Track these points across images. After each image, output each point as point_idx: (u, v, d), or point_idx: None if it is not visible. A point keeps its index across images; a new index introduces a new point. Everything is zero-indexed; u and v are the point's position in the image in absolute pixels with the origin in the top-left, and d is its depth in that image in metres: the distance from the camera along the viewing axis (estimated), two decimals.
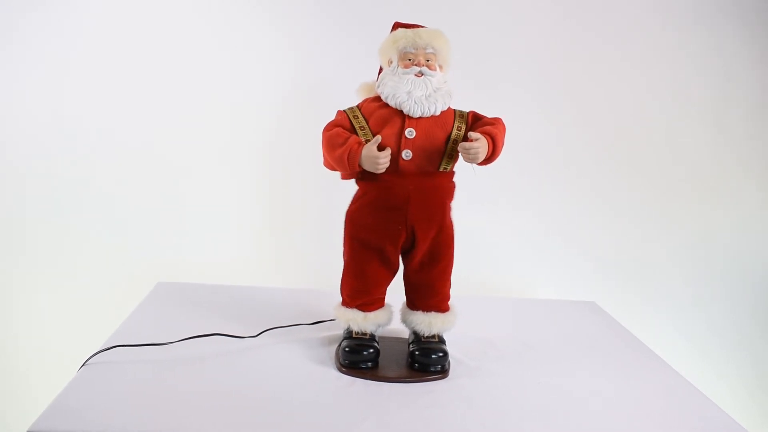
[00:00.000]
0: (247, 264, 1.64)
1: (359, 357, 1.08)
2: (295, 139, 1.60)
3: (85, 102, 1.56)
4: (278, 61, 1.59)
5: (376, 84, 1.10)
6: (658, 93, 1.66)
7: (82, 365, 1.03)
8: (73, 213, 1.59)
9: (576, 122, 1.66)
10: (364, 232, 1.08)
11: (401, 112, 1.05)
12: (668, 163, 1.69)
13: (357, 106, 1.10)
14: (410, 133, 1.04)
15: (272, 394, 0.98)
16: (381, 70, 1.12)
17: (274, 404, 0.96)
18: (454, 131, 1.06)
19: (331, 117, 1.10)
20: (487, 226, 1.65)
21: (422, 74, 1.05)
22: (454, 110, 1.09)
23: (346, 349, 1.09)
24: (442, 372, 1.09)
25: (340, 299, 1.15)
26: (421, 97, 1.04)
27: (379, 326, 1.13)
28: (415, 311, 1.13)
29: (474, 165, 1.05)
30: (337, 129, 1.06)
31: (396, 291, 1.16)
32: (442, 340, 1.13)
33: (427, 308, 1.12)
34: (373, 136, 1.05)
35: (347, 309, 1.12)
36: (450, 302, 1.15)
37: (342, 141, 1.03)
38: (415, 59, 1.06)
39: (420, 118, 1.04)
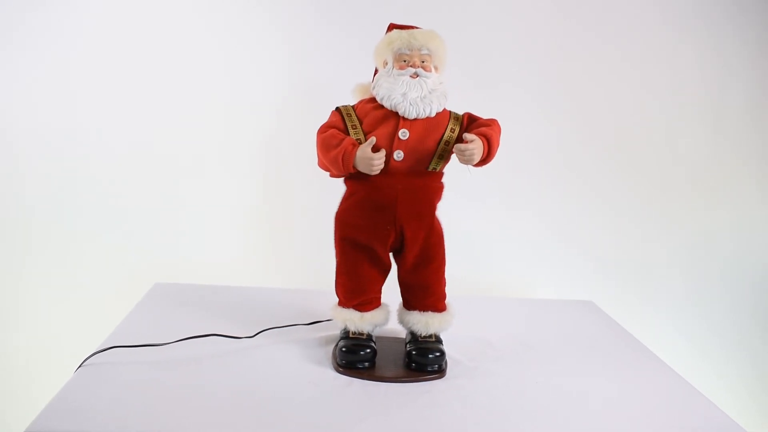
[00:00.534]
0: (244, 264, 1.64)
1: (356, 357, 1.08)
2: (291, 139, 1.60)
3: (84, 102, 1.56)
4: (276, 61, 1.59)
5: (372, 85, 1.10)
6: (657, 92, 1.66)
7: (80, 366, 1.03)
8: (70, 213, 1.59)
9: (575, 122, 1.66)
10: (354, 232, 1.09)
11: (396, 113, 1.05)
12: (667, 163, 1.69)
13: (352, 106, 1.10)
14: (404, 134, 1.04)
15: (269, 395, 0.98)
16: (376, 71, 1.12)
17: (272, 404, 0.95)
18: (447, 132, 1.06)
19: (328, 118, 1.10)
20: (485, 226, 1.65)
21: (417, 75, 1.05)
22: (450, 112, 1.09)
23: (343, 349, 1.09)
24: (440, 372, 1.09)
25: (337, 300, 1.15)
26: (416, 98, 1.04)
27: (375, 326, 1.13)
28: (411, 311, 1.13)
29: (469, 166, 1.05)
30: (331, 130, 1.06)
31: (392, 291, 1.16)
32: (439, 340, 1.13)
33: (423, 308, 1.12)
34: (366, 136, 1.05)
35: (344, 309, 1.12)
36: (447, 302, 1.15)
37: (336, 142, 1.03)
38: (410, 60, 1.06)
39: (415, 119, 1.04)
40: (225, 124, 1.60)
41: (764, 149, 1.70)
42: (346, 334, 1.12)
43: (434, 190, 1.09)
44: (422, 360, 1.08)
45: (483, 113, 1.11)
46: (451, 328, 1.15)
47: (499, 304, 1.52)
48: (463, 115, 1.09)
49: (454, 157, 1.06)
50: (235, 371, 1.05)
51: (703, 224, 1.71)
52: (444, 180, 1.11)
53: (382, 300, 1.15)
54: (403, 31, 1.07)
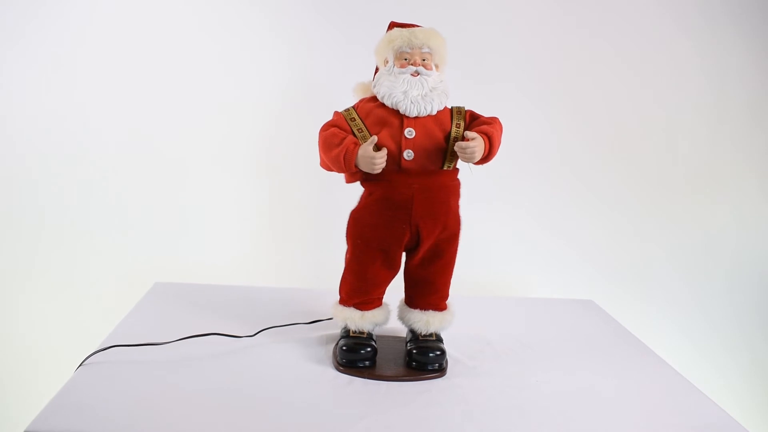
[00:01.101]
0: (244, 264, 1.64)
1: (356, 356, 1.08)
2: (291, 138, 1.60)
3: (84, 102, 1.56)
4: (276, 60, 1.59)
5: (372, 84, 1.10)
6: (656, 91, 1.66)
7: (80, 365, 1.03)
8: (70, 213, 1.59)
9: (575, 121, 1.66)
10: (369, 232, 1.08)
11: (398, 111, 1.05)
12: (666, 161, 1.69)
13: (353, 107, 1.10)
14: (410, 132, 1.04)
15: (270, 394, 0.98)
16: (377, 69, 1.12)
17: (272, 403, 0.96)
18: (453, 129, 1.06)
19: (328, 117, 1.10)
20: (484, 225, 1.65)
21: (418, 74, 1.05)
22: (451, 108, 1.09)
23: (344, 347, 1.09)
24: (440, 371, 1.09)
25: (338, 298, 1.15)
26: (417, 96, 1.04)
27: (376, 325, 1.14)
28: (412, 309, 1.14)
29: (470, 164, 1.05)
30: (333, 129, 1.06)
31: (393, 289, 1.16)
32: (439, 339, 1.13)
33: (425, 306, 1.13)
34: (371, 136, 1.05)
35: (344, 308, 1.13)
36: (447, 301, 1.15)
37: (338, 141, 1.03)
38: (411, 59, 1.06)
39: (417, 117, 1.04)
40: (225, 124, 1.60)
41: (764, 148, 1.70)
42: (346, 333, 1.12)
43: (450, 189, 1.09)
44: (423, 359, 1.08)
45: (482, 112, 1.11)
46: (451, 327, 1.15)
47: (499, 303, 1.52)
48: (465, 111, 1.09)
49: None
50: (236, 370, 1.05)
51: (702, 223, 1.71)
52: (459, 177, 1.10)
53: (383, 299, 1.16)
54: (404, 30, 1.07)
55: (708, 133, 1.68)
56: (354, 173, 1.08)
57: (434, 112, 1.05)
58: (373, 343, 1.10)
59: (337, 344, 1.13)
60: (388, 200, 1.06)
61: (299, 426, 0.90)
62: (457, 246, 1.11)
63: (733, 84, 1.67)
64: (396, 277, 1.14)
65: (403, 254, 1.12)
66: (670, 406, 1.03)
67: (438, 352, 1.09)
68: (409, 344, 1.13)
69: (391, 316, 1.16)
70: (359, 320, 1.11)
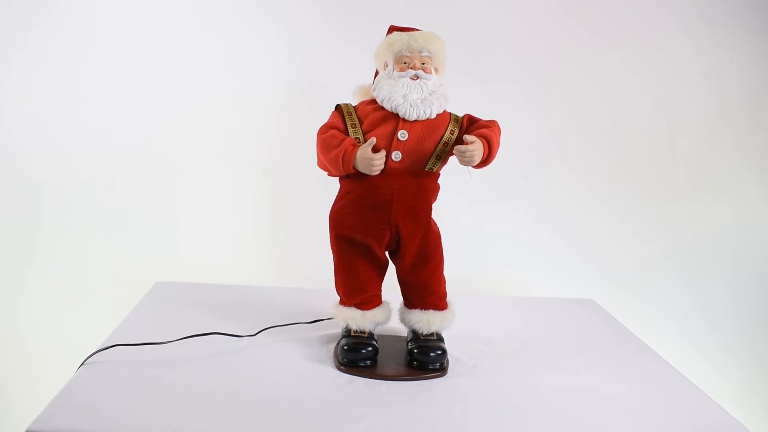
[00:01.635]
0: (244, 263, 1.64)
1: (358, 355, 1.08)
2: (292, 138, 1.60)
3: (84, 103, 1.56)
4: (276, 61, 1.59)
5: (372, 87, 1.10)
6: (656, 91, 1.66)
7: (81, 364, 1.03)
8: (71, 213, 1.59)
9: (575, 121, 1.66)
10: (349, 231, 1.09)
11: (396, 114, 1.05)
12: (666, 161, 1.69)
13: (354, 106, 1.10)
14: (403, 135, 1.05)
15: (271, 393, 0.99)
16: (377, 73, 1.12)
17: (273, 403, 0.96)
18: (447, 134, 1.07)
19: (328, 117, 1.10)
20: (485, 225, 1.65)
21: (418, 77, 1.05)
22: (450, 114, 1.09)
23: (345, 347, 1.09)
24: (441, 370, 1.09)
25: (338, 298, 1.15)
26: (416, 100, 1.04)
27: (377, 324, 1.14)
28: (413, 310, 1.14)
29: (470, 168, 1.05)
30: (332, 131, 1.06)
31: (394, 289, 1.16)
32: (440, 338, 1.13)
33: (424, 306, 1.13)
34: (365, 136, 1.05)
35: (345, 307, 1.13)
36: (448, 300, 1.15)
37: (337, 143, 1.04)
38: (410, 62, 1.06)
39: (415, 121, 1.05)
40: (225, 124, 1.61)
41: (764, 148, 1.70)
42: (347, 333, 1.13)
43: (430, 190, 1.10)
44: (424, 358, 1.09)
45: (482, 113, 1.11)
46: (452, 326, 1.15)
47: (500, 302, 1.52)
48: (462, 117, 1.09)
49: (453, 158, 1.06)
50: (237, 370, 1.06)
51: (702, 222, 1.71)
52: (442, 181, 1.11)
53: (384, 298, 1.16)
54: (404, 33, 1.07)
55: (708, 133, 1.68)
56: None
57: (433, 116, 1.05)
58: (374, 342, 1.11)
59: (338, 344, 1.13)
60: (367, 200, 1.07)
61: (300, 425, 0.90)
62: (441, 247, 1.12)
63: (733, 84, 1.67)
64: (394, 278, 1.14)
65: (387, 255, 1.13)
66: (671, 405, 1.04)
67: (439, 352, 1.09)
68: (410, 344, 1.13)
69: (392, 315, 1.16)
70: (360, 320, 1.11)
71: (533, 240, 1.69)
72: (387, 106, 1.05)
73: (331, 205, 1.13)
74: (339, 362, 1.09)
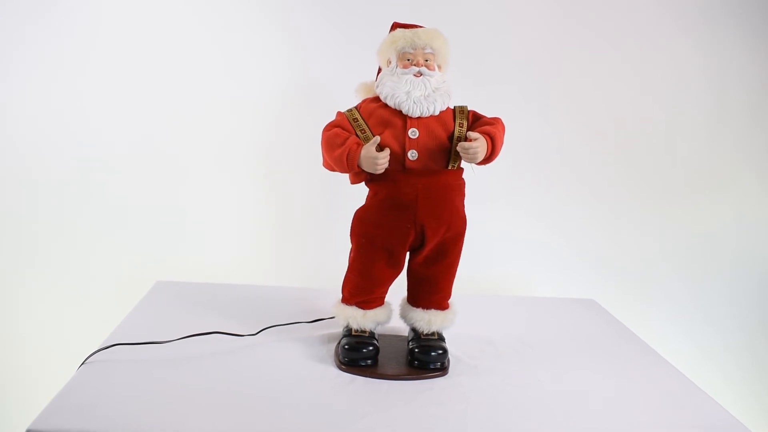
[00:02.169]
0: (246, 262, 1.64)
1: (359, 354, 1.08)
2: (293, 138, 1.60)
3: (84, 103, 1.56)
4: (277, 60, 1.59)
5: (375, 84, 1.10)
6: (656, 92, 1.66)
7: (82, 364, 1.03)
8: (72, 212, 1.59)
9: (575, 121, 1.66)
10: (373, 231, 1.08)
11: (401, 112, 1.05)
12: (666, 161, 1.69)
13: (356, 107, 1.10)
14: (413, 133, 1.04)
15: (272, 392, 0.99)
16: (380, 70, 1.12)
17: (274, 402, 0.96)
18: (457, 128, 1.07)
19: (331, 117, 1.10)
20: (486, 225, 1.65)
21: (421, 74, 1.05)
22: (453, 108, 1.09)
23: (346, 346, 1.09)
24: (442, 369, 1.09)
25: (340, 297, 1.15)
26: (419, 97, 1.04)
27: (378, 324, 1.14)
28: (415, 308, 1.14)
29: (473, 164, 1.05)
30: (336, 129, 1.06)
31: (395, 288, 1.16)
32: (441, 338, 1.13)
33: (427, 305, 1.13)
34: (374, 136, 1.05)
35: (346, 306, 1.13)
36: (450, 300, 1.15)
37: (341, 141, 1.04)
38: (413, 59, 1.06)
39: (420, 117, 1.05)
40: (226, 124, 1.60)
41: (764, 148, 1.70)
42: (348, 332, 1.13)
43: (455, 188, 1.09)
44: (425, 358, 1.09)
45: (484, 113, 1.11)
46: (453, 326, 1.15)
47: (501, 302, 1.52)
48: (468, 111, 1.09)
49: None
50: (238, 369, 1.06)
51: (703, 223, 1.71)
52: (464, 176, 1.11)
53: (385, 298, 1.16)
54: (407, 30, 1.07)
55: (708, 133, 1.69)
56: (358, 174, 1.08)
57: (437, 113, 1.05)
58: (375, 341, 1.11)
59: (339, 343, 1.13)
60: (392, 200, 1.06)
61: (301, 424, 0.90)
62: (461, 246, 1.11)
63: (733, 84, 1.67)
64: (399, 276, 1.15)
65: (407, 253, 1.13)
66: (671, 405, 1.04)
67: (440, 351, 1.09)
68: (411, 343, 1.13)
69: (393, 315, 1.16)
70: (361, 319, 1.11)
71: (534, 240, 1.69)
72: (390, 102, 1.05)
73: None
74: (340, 361, 1.09)
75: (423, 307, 1.13)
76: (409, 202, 1.05)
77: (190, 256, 1.62)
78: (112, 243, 1.61)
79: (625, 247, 1.71)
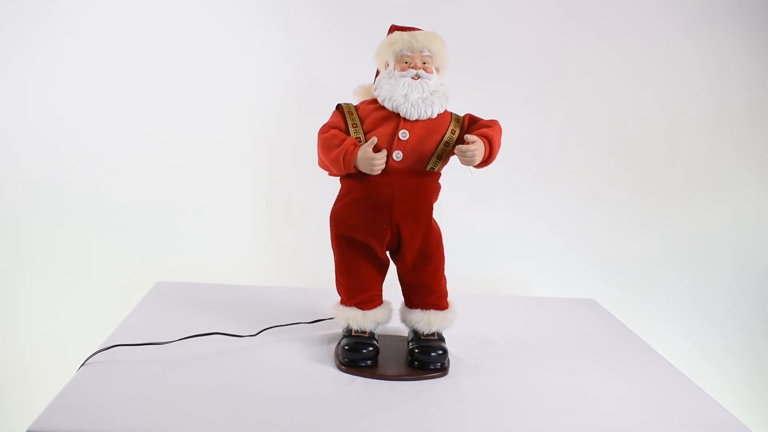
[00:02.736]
0: (245, 263, 1.64)
1: (359, 355, 1.08)
2: (292, 138, 1.60)
3: (85, 102, 1.56)
4: (276, 61, 1.59)
5: (373, 87, 1.10)
6: (656, 91, 1.66)
7: (82, 364, 1.03)
8: (72, 213, 1.59)
9: (575, 121, 1.66)
10: (350, 231, 1.09)
11: (397, 114, 1.05)
12: (666, 161, 1.69)
13: (355, 106, 1.10)
14: (404, 134, 1.05)
15: (272, 393, 0.99)
16: (378, 72, 1.12)
17: (274, 403, 0.96)
18: (447, 134, 1.07)
19: (329, 117, 1.10)
20: (486, 225, 1.65)
21: (419, 77, 1.05)
22: (451, 113, 1.09)
23: (346, 347, 1.09)
24: (442, 370, 1.09)
25: (339, 298, 1.15)
26: (417, 99, 1.04)
27: (378, 324, 1.14)
28: (413, 309, 1.14)
29: (471, 167, 1.05)
30: (333, 131, 1.06)
31: (395, 289, 1.16)
32: (441, 338, 1.13)
33: (425, 306, 1.13)
34: (366, 135, 1.05)
35: (346, 307, 1.13)
36: (449, 300, 1.15)
37: (338, 142, 1.04)
38: (411, 62, 1.06)
39: (416, 120, 1.05)
40: (226, 124, 1.61)
41: (764, 148, 1.70)
42: (348, 333, 1.13)
43: (431, 190, 1.09)
44: (425, 358, 1.09)
45: (483, 113, 1.11)
46: (453, 326, 1.15)
47: (501, 302, 1.52)
48: (464, 117, 1.10)
49: (454, 158, 1.06)
50: (238, 370, 1.06)
51: (703, 222, 1.71)
52: (443, 180, 1.11)
53: (385, 298, 1.16)
54: (405, 33, 1.07)
55: (708, 133, 1.68)
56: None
57: (434, 116, 1.05)
58: (375, 342, 1.11)
59: (339, 343, 1.13)
60: (368, 200, 1.06)
61: (301, 425, 0.90)
62: (442, 247, 1.11)
63: (733, 84, 1.67)
64: (395, 277, 1.14)
65: (388, 254, 1.13)
66: (672, 405, 1.04)
67: (440, 352, 1.09)
68: (410, 343, 1.13)
69: (392, 315, 1.16)
70: (361, 319, 1.11)
71: (534, 240, 1.69)
72: (388, 105, 1.05)
73: (331, 205, 1.13)
74: (340, 362, 1.09)
75: (422, 308, 1.13)
76: (385, 202, 1.06)
77: (190, 256, 1.63)
78: (112, 243, 1.61)
79: (625, 247, 1.71)
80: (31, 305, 1.61)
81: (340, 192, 1.11)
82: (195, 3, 1.56)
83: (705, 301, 1.73)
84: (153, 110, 1.58)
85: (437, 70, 1.07)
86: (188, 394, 0.96)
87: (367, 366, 1.08)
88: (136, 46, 1.56)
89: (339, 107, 1.10)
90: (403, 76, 1.05)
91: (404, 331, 1.21)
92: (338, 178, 1.12)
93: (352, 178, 1.07)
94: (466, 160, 1.02)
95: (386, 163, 1.04)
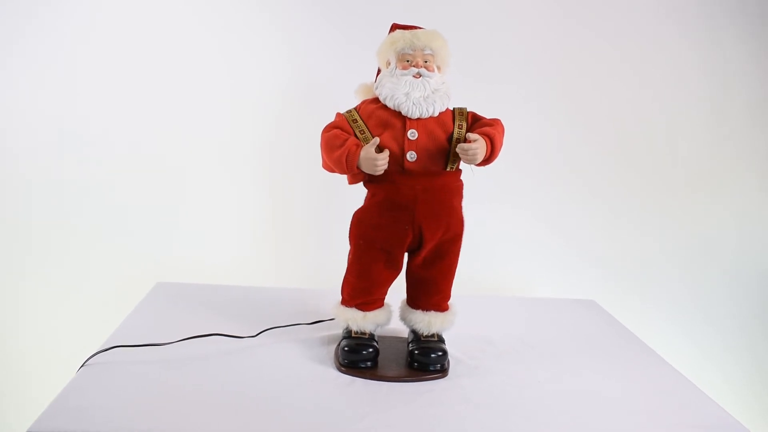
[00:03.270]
0: (245, 264, 1.64)
1: (358, 356, 1.08)
2: (293, 139, 1.60)
3: (85, 103, 1.56)
4: (277, 60, 1.59)
5: (375, 85, 1.10)
6: (656, 91, 1.66)
7: (82, 365, 1.03)
8: (72, 214, 1.59)
9: (575, 121, 1.66)
10: (371, 233, 1.08)
11: (400, 113, 1.05)
12: (667, 161, 1.69)
13: (355, 108, 1.10)
14: (412, 134, 1.04)
15: (271, 394, 0.99)
16: (379, 71, 1.12)
17: (274, 404, 0.96)
18: (456, 130, 1.06)
19: (331, 117, 1.10)
20: (486, 225, 1.65)
21: (420, 75, 1.05)
22: (452, 109, 1.09)
23: (346, 348, 1.09)
24: (442, 371, 1.09)
25: (340, 298, 1.15)
26: (419, 98, 1.04)
27: (378, 326, 1.14)
28: (414, 310, 1.14)
29: (472, 166, 1.05)
30: (335, 131, 1.06)
31: (394, 289, 1.16)
32: (441, 339, 1.13)
33: (426, 307, 1.13)
34: (373, 137, 1.05)
35: (346, 308, 1.13)
36: (449, 301, 1.15)
37: (340, 143, 1.03)
38: (413, 60, 1.06)
39: (419, 118, 1.04)
40: (226, 124, 1.60)
41: (764, 148, 1.70)
42: (348, 334, 1.12)
43: (453, 190, 1.09)
44: (424, 359, 1.08)
45: (483, 113, 1.11)
46: (453, 327, 1.15)
47: (501, 303, 1.52)
48: (467, 112, 1.09)
49: None
50: (238, 371, 1.06)
51: (703, 222, 1.71)
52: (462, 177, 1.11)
53: (385, 300, 1.15)
54: (406, 32, 1.07)
55: (708, 133, 1.68)
56: (356, 174, 1.08)
57: (436, 114, 1.05)
58: (375, 343, 1.11)
59: (338, 345, 1.13)
60: (391, 202, 1.06)
61: (301, 426, 0.90)
62: (459, 247, 1.11)
63: (733, 84, 1.66)
64: (397, 277, 1.14)
65: (405, 255, 1.12)
66: (672, 406, 1.04)
67: (439, 353, 1.09)
68: (410, 345, 1.13)
69: (392, 316, 1.16)
70: (361, 321, 1.11)
71: (534, 240, 1.69)
72: (389, 104, 1.05)
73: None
74: (340, 363, 1.09)
75: (423, 309, 1.13)
76: (407, 203, 1.05)
77: (190, 257, 1.62)
78: (111, 244, 1.61)
79: (626, 248, 1.71)
80: (31, 306, 1.61)
81: (366, 196, 1.11)
82: (195, 3, 1.56)
83: (705, 301, 1.73)
84: (153, 110, 1.58)
85: (439, 68, 1.07)
86: (188, 396, 0.96)
87: (366, 367, 1.08)
88: (136, 45, 1.55)
89: (341, 116, 1.09)
90: (405, 75, 1.05)
91: (404, 333, 1.21)
92: (361, 184, 1.11)
93: (376, 182, 1.07)
94: (467, 159, 1.02)
95: (402, 165, 1.04)
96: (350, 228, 1.11)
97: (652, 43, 1.64)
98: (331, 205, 1.60)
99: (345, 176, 1.11)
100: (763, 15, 1.64)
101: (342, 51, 1.58)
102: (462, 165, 1.07)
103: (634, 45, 1.64)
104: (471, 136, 1.02)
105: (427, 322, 1.12)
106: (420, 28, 1.09)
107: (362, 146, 1.03)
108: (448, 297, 1.14)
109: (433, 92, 1.05)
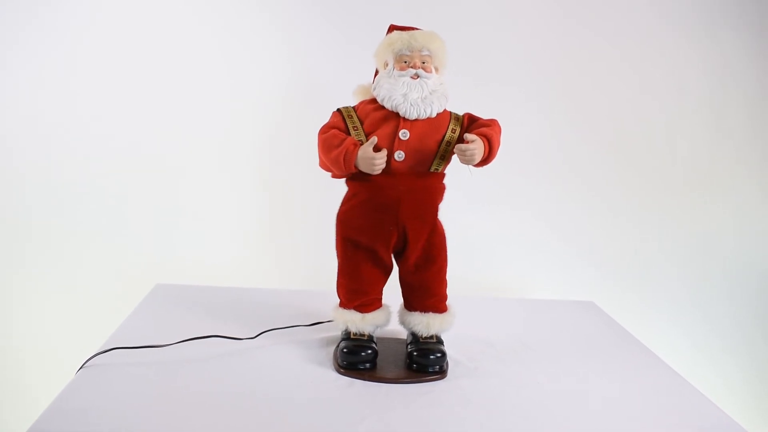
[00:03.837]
0: (244, 265, 1.64)
1: (357, 358, 1.08)
2: (292, 139, 1.60)
3: (85, 103, 1.56)
4: (276, 61, 1.59)
5: (372, 86, 1.10)
6: (656, 91, 1.66)
7: (81, 367, 1.03)
8: (71, 215, 1.59)
9: (575, 121, 1.66)
10: (356, 233, 1.09)
11: (397, 114, 1.05)
12: (666, 162, 1.69)
13: (353, 107, 1.10)
14: (404, 134, 1.04)
15: (270, 396, 0.98)
16: (377, 72, 1.12)
17: (273, 406, 0.96)
18: (448, 133, 1.07)
19: (329, 117, 1.10)
20: (485, 226, 1.65)
21: (418, 76, 1.05)
22: (450, 112, 1.09)
23: (345, 350, 1.09)
24: (441, 373, 1.09)
25: (338, 301, 1.15)
26: (416, 99, 1.04)
27: (377, 327, 1.13)
28: (412, 312, 1.14)
29: (470, 166, 1.05)
30: (333, 131, 1.06)
31: (393, 292, 1.16)
32: (440, 341, 1.13)
33: (424, 309, 1.13)
34: (367, 137, 1.05)
35: (345, 310, 1.12)
36: (448, 302, 1.15)
37: (338, 142, 1.03)
38: (410, 61, 1.06)
39: (416, 120, 1.04)
40: (226, 125, 1.60)
41: (764, 148, 1.70)
42: (347, 335, 1.12)
43: (437, 191, 1.09)
44: (423, 361, 1.08)
45: (483, 113, 1.11)
46: (452, 328, 1.15)
47: (500, 304, 1.52)
48: (463, 116, 1.09)
49: (454, 157, 1.06)
50: (237, 372, 1.05)
51: (702, 223, 1.71)
52: (445, 181, 1.11)
53: (384, 301, 1.15)
54: (404, 33, 1.07)
55: (708, 133, 1.68)
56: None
57: (434, 115, 1.05)
58: (374, 345, 1.10)
59: (337, 346, 1.13)
60: (374, 202, 1.06)
61: (300, 428, 0.90)
62: (446, 249, 1.11)
63: (733, 84, 1.66)
64: (394, 280, 1.14)
65: (393, 258, 1.13)
66: (671, 408, 1.03)
67: (438, 354, 1.09)
68: (409, 346, 1.13)
69: (391, 318, 1.16)
70: (360, 322, 1.11)
71: (534, 241, 1.69)
72: (387, 105, 1.05)
73: (333, 206, 1.13)
74: (338, 365, 1.09)
75: (421, 311, 1.13)
76: (391, 203, 1.05)
77: (189, 258, 1.62)
78: (111, 245, 1.61)
79: (625, 249, 1.71)
80: (30, 307, 1.61)
81: (346, 194, 1.11)
82: (195, 3, 1.56)
83: (704, 301, 1.73)
84: (153, 110, 1.58)
85: (436, 69, 1.07)
86: (187, 397, 0.96)
87: (365, 369, 1.08)
88: (136, 46, 1.55)
89: (338, 111, 1.09)
90: (402, 76, 1.05)
91: (403, 334, 1.21)
92: (344, 180, 1.11)
93: (358, 180, 1.07)
94: (465, 159, 1.02)
95: (389, 163, 1.04)
96: (335, 230, 1.11)
97: (652, 43, 1.64)
98: (330, 205, 1.58)
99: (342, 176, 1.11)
100: (763, 15, 1.64)
101: (342, 51, 1.58)
102: (460, 165, 1.07)
103: (634, 44, 1.63)
104: (469, 136, 1.02)
105: (426, 323, 1.12)
106: (417, 29, 1.09)
107: (360, 146, 1.03)
108: (445, 298, 1.14)
109: (430, 93, 1.05)
